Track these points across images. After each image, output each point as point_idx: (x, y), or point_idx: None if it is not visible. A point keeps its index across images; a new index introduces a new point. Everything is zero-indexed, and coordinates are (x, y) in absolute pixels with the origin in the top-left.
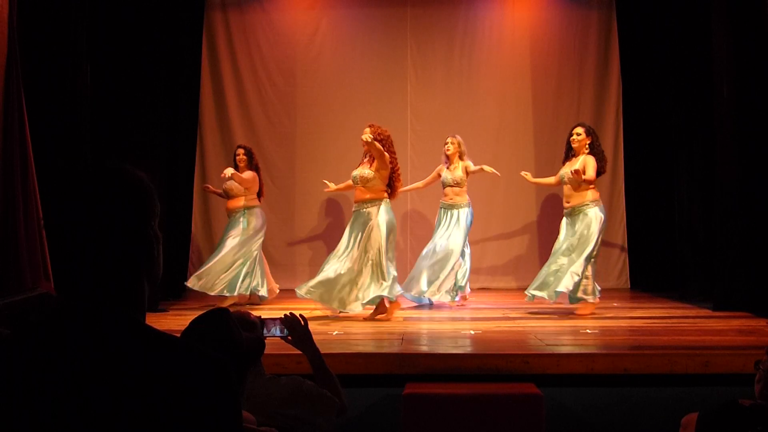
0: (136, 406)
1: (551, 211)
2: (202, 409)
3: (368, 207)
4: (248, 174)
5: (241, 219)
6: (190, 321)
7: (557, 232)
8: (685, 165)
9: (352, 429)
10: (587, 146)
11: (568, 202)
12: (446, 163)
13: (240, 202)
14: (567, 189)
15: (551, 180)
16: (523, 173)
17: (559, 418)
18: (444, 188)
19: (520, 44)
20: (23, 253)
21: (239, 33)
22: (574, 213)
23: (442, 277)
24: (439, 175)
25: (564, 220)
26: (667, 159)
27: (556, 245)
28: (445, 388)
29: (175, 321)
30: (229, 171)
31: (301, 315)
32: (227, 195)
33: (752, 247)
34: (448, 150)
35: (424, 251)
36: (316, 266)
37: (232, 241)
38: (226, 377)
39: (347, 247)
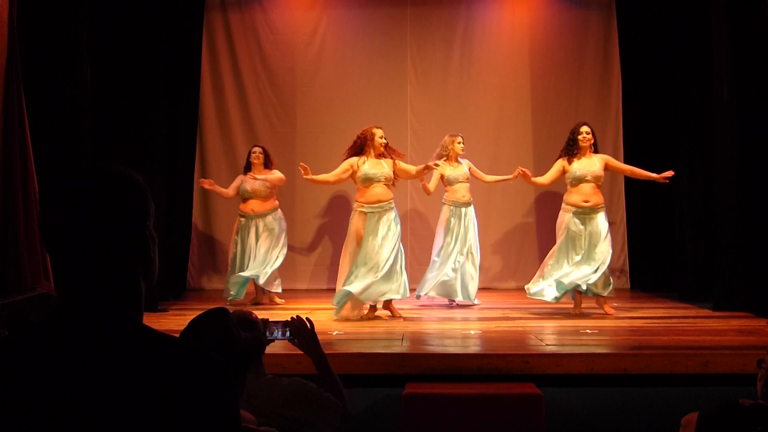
0: (135, 406)
1: (550, 211)
2: (201, 409)
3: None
4: (275, 174)
5: (273, 220)
6: (189, 321)
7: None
8: (685, 165)
9: (352, 429)
10: (592, 145)
11: (587, 201)
12: (449, 160)
13: (273, 203)
14: (589, 188)
15: (544, 180)
16: (522, 169)
17: (559, 418)
18: (454, 185)
19: (519, 44)
20: (23, 253)
21: (239, 33)
22: (591, 212)
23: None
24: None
25: (572, 218)
26: (666, 159)
27: (572, 246)
28: (445, 388)
29: (175, 321)
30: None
31: (307, 318)
32: (251, 195)
33: (752, 247)
34: (463, 149)
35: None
36: (317, 266)
37: (272, 246)
38: (224, 377)
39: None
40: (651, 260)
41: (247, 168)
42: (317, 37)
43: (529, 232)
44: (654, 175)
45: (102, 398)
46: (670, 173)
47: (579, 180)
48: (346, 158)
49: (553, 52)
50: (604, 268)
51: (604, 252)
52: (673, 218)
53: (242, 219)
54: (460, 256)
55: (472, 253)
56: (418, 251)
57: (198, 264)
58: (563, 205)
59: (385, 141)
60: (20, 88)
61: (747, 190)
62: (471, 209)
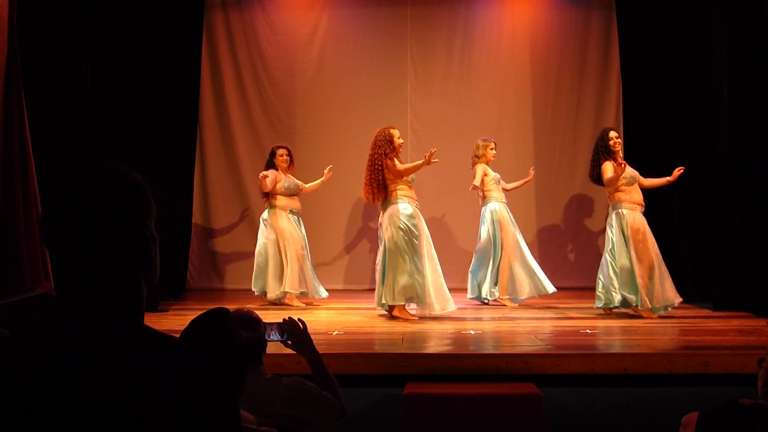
0: (135, 406)
1: (551, 211)
2: (201, 409)
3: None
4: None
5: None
6: (189, 321)
7: (557, 232)
8: (685, 165)
9: (352, 429)
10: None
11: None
12: (488, 163)
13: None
14: (640, 189)
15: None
16: (622, 161)
17: (559, 418)
18: (499, 185)
19: (520, 44)
20: (23, 253)
21: (239, 33)
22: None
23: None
24: (486, 175)
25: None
26: (666, 159)
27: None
28: (445, 388)
29: (175, 321)
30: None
31: (299, 319)
32: (298, 192)
33: (752, 247)
34: (495, 156)
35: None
36: (317, 266)
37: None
38: (224, 378)
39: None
40: None
41: (272, 166)
42: (317, 37)
43: (530, 232)
44: (670, 178)
45: (102, 398)
46: (680, 170)
47: (634, 179)
48: (387, 159)
49: (554, 51)
50: None
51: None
52: (673, 218)
53: (293, 216)
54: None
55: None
56: None
57: (198, 264)
58: (627, 204)
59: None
60: (20, 88)
61: (747, 190)
62: None
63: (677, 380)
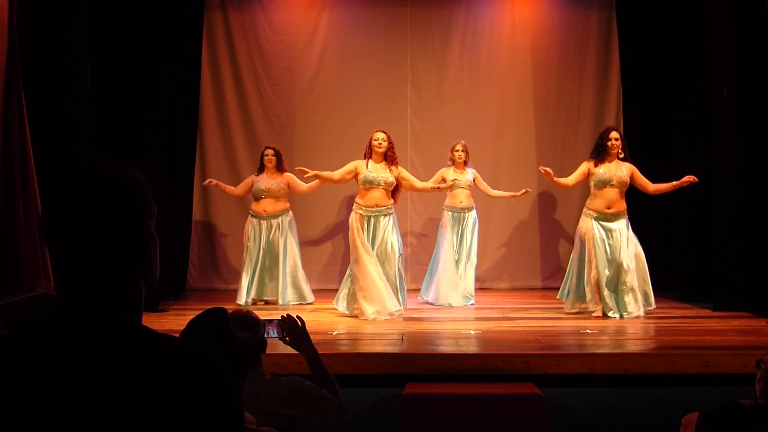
0: (135, 406)
1: (551, 211)
2: (201, 409)
3: (388, 213)
4: (290, 177)
5: (285, 222)
6: (188, 321)
7: (557, 231)
8: (685, 165)
9: (352, 429)
10: (620, 150)
11: (609, 208)
12: (454, 166)
13: (285, 204)
14: (614, 193)
15: (568, 181)
16: (544, 168)
17: (559, 418)
18: (454, 191)
19: (520, 44)
20: (23, 253)
21: (239, 33)
22: (614, 219)
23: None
24: (444, 179)
25: (595, 225)
26: (666, 159)
27: (600, 252)
28: (445, 388)
29: (175, 321)
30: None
31: (298, 316)
32: (265, 195)
33: (752, 248)
34: (460, 157)
35: (444, 259)
36: (316, 266)
37: (293, 249)
38: (224, 377)
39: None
40: (651, 260)
41: (261, 169)
42: (317, 37)
43: (530, 231)
44: (676, 183)
45: (102, 399)
46: (691, 179)
47: (604, 184)
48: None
49: (554, 51)
50: (633, 282)
51: (630, 262)
52: (672, 218)
53: (254, 219)
54: (457, 260)
55: (470, 258)
56: (418, 251)
57: (198, 264)
58: (585, 210)
59: (385, 144)
60: (20, 88)
61: (747, 190)
62: (471, 214)
63: (677, 380)
